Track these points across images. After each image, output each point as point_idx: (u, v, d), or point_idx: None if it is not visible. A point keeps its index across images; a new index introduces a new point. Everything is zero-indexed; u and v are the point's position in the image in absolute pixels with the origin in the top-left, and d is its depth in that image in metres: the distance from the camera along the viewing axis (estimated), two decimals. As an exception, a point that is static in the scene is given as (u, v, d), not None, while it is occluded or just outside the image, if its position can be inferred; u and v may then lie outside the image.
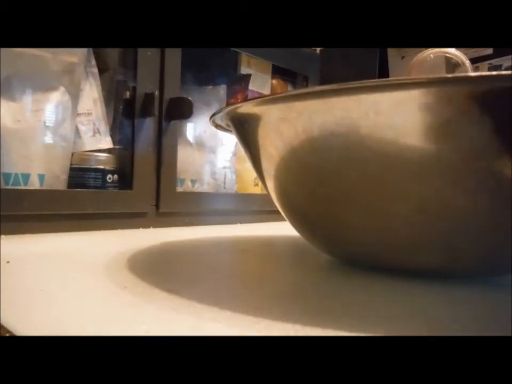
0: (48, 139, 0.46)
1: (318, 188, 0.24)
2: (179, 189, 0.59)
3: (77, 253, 0.34)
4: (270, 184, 0.28)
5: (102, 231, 0.48)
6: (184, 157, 0.59)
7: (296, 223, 0.29)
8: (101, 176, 0.49)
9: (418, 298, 0.22)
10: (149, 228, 0.53)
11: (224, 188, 0.66)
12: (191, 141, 0.62)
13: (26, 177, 0.45)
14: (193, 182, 0.62)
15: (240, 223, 0.64)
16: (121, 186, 0.52)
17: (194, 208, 0.58)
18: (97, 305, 0.20)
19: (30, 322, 0.17)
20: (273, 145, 0.24)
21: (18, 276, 0.25)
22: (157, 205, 0.54)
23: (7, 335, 0.16)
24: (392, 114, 0.19)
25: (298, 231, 0.30)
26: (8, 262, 0.28)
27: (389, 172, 0.21)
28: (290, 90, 0.75)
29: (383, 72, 0.85)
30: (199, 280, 0.26)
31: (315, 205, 0.25)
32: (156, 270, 0.28)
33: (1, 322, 0.17)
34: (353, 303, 0.21)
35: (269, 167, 0.26)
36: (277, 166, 0.25)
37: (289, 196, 0.27)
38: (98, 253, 0.33)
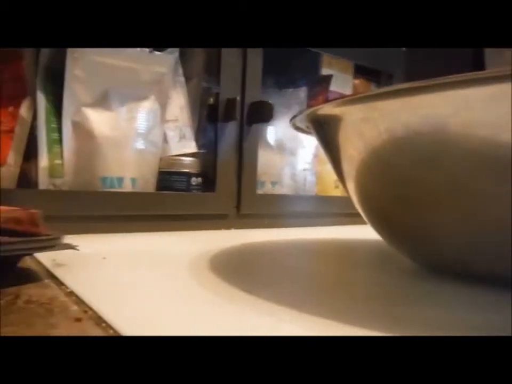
0: (140, 145, 0.50)
1: (402, 191, 0.23)
2: (259, 191, 0.60)
3: (163, 252, 0.36)
4: (351, 186, 0.27)
5: (187, 232, 0.50)
6: (265, 159, 0.60)
7: (377, 227, 0.28)
8: (186, 179, 0.52)
9: (507, 311, 0.20)
10: (230, 229, 0.54)
11: (304, 190, 0.65)
12: (272, 144, 0.63)
13: (120, 180, 0.48)
14: (273, 184, 0.62)
15: (321, 225, 0.63)
16: (205, 188, 0.54)
17: (274, 210, 0.59)
18: (178, 302, 0.21)
19: (124, 318, 0.18)
20: (354, 146, 0.24)
21: (112, 271, 0.27)
22: (238, 207, 0.55)
23: (111, 332, 0.17)
24: (486, 110, 0.17)
25: (380, 235, 0.29)
26: (104, 258, 0.31)
27: (481, 173, 0.19)
28: (371, 90, 0.72)
29: (478, 67, 0.79)
30: (278, 282, 0.26)
31: (398, 208, 0.24)
32: (236, 270, 0.29)
33: (105, 318, 0.18)
34: (432, 312, 0.20)
35: (349, 169, 0.26)
36: (358, 168, 0.25)
37: (370, 199, 0.26)
38: (183, 252, 0.35)
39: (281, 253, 0.38)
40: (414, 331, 0.17)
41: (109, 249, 0.35)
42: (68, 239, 0.27)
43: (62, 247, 0.27)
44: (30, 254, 0.29)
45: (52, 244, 0.27)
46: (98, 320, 0.18)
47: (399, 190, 0.23)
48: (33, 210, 0.27)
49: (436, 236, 0.23)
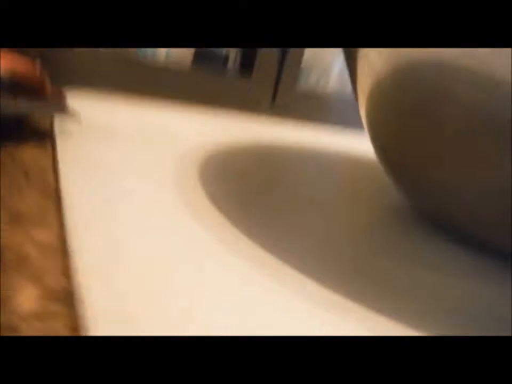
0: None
1: (407, 124, 0.20)
2: (302, 83, 0.56)
3: (177, 133, 0.34)
4: (362, 112, 0.24)
5: (213, 115, 0.48)
6: (311, 49, 0.55)
7: (380, 157, 0.26)
8: (223, 60, 0.49)
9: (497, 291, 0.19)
10: (261, 119, 0.52)
11: (351, 93, 0.60)
12: (327, 33, 0.57)
13: (154, 49, 0.46)
14: (318, 78, 0.58)
15: (356, 131, 0.60)
16: (242, 72, 0.51)
17: (311, 106, 0.56)
18: (161, 196, 0.20)
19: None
20: (366, 69, 0.20)
21: (109, 150, 0.27)
22: (274, 97, 0.52)
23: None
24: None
25: (382, 165, 0.27)
26: (111, 132, 0.31)
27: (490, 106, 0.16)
28: None
29: None
30: (272, 196, 0.25)
31: (402, 139, 0.21)
32: (242, 170, 0.28)
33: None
34: (409, 277, 0.19)
35: (361, 92, 0.23)
36: (368, 93, 0.22)
37: (378, 128, 0.24)
38: (198, 137, 0.34)
39: (297, 159, 0.36)
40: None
41: (125, 122, 0.34)
42: (83, 104, 0.27)
43: (66, 113, 0.27)
44: (33, 115, 0.29)
45: (57, 109, 0.28)
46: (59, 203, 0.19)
47: (404, 122, 0.20)
48: (39, 66, 0.27)
49: (433, 174, 0.21)
